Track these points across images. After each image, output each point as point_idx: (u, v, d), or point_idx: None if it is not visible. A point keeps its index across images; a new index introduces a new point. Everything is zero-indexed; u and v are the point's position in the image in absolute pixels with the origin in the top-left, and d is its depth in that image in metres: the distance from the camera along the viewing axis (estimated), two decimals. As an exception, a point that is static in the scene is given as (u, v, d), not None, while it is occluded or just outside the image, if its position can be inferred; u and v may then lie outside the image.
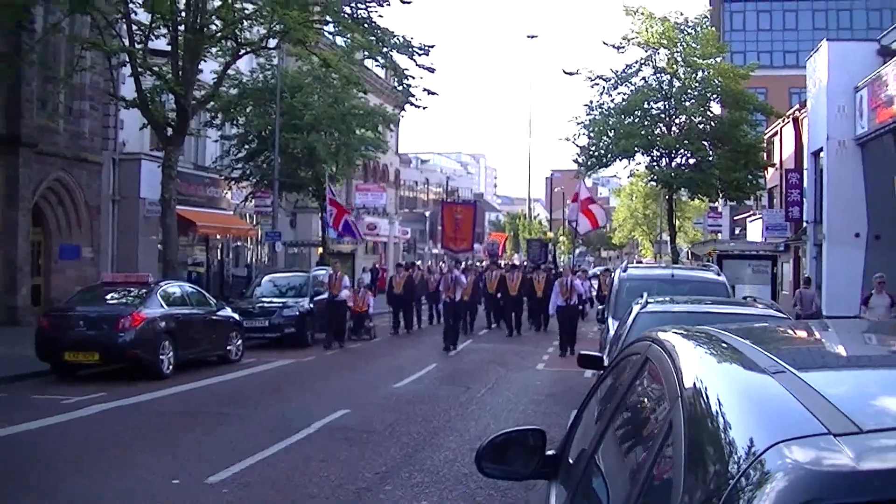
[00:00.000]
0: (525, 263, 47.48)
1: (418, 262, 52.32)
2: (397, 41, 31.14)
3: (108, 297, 22.41)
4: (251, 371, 22.84)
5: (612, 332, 15.64)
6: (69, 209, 37.27)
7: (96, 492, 10.38)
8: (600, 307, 24.91)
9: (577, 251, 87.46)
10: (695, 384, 2.64)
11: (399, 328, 34.47)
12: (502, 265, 42.93)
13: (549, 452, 4.21)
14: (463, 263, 39.69)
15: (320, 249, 48.92)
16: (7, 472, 11.34)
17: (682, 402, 2.57)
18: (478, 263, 43.42)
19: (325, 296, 29.54)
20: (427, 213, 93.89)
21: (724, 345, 3.04)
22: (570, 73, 50.59)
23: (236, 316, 25.40)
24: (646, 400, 3.34)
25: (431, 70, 31.77)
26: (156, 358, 20.53)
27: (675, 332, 3.41)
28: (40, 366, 20.75)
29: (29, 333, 21.66)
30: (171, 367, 20.97)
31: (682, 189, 52.27)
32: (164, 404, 17.20)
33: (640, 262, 71.62)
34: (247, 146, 43.89)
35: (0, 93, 32.15)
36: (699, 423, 2.39)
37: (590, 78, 49.60)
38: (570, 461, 3.97)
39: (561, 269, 36.07)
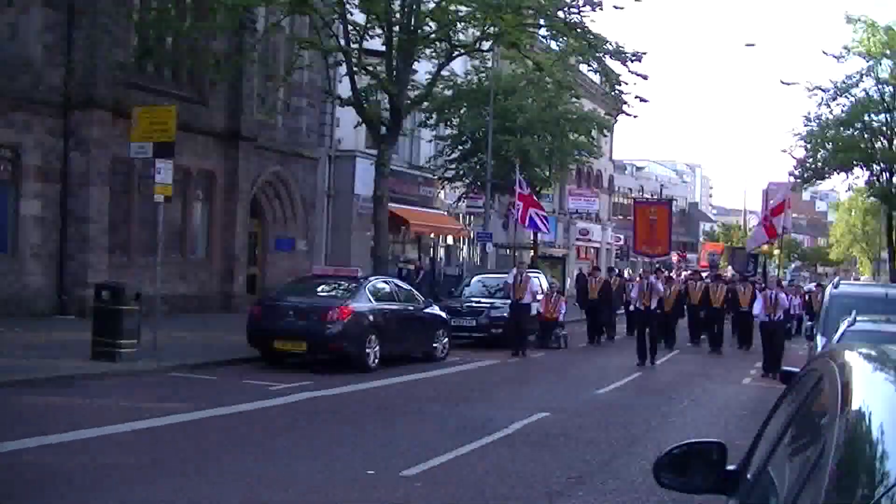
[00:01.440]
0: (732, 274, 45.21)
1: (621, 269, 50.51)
2: (610, 46, 30.87)
3: (318, 288, 22.85)
4: (455, 369, 22.94)
5: (819, 350, 15.12)
6: (285, 202, 38.37)
7: (293, 476, 10.56)
8: (808, 324, 23.99)
9: (793, 265, 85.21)
10: (859, 407, 2.54)
11: (596, 338, 32.61)
12: (704, 276, 39.87)
13: (730, 467, 4.09)
14: (666, 271, 37.27)
15: (532, 252, 49.03)
16: (210, 451, 11.67)
17: (838, 423, 2.49)
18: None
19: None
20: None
21: None
22: (788, 84, 49.49)
23: (444, 314, 25.47)
24: (812, 416, 3.22)
25: (644, 77, 31.38)
26: (361, 351, 20.80)
27: (859, 352, 3.28)
28: (252, 352, 21.37)
29: (243, 320, 22.23)
30: (376, 360, 21.19)
31: (904, 205, 50.33)
32: (366, 397, 17.43)
33: (857, 280, 69.27)
34: (460, 147, 44.35)
35: (222, 90, 33.28)
36: (853, 444, 2.32)
37: (808, 88, 48.24)
38: (748, 476, 3.86)
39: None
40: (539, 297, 28.83)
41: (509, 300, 27.71)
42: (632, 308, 28.97)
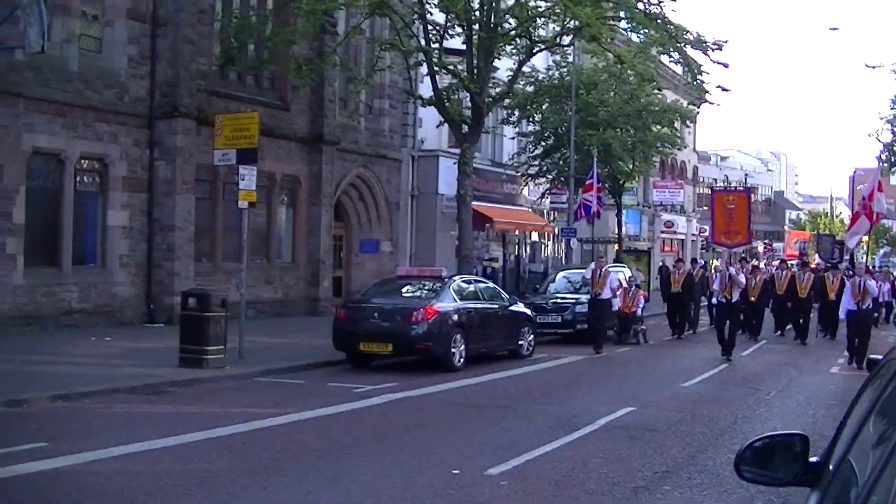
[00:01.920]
0: (818, 263, 43.85)
1: (712, 261, 49.66)
2: (691, 36, 30.52)
3: (403, 289, 22.92)
4: (541, 366, 22.84)
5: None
6: (369, 204, 38.58)
7: (379, 478, 10.59)
8: None
9: (882, 251, 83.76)
10: None
11: (678, 331, 31.92)
12: (791, 265, 38.37)
13: (813, 459, 4.01)
14: (755, 261, 36.29)
15: (616, 246, 48.78)
16: (295, 454, 11.72)
17: None
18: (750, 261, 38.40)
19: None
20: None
21: None
22: (873, 67, 48.63)
23: (529, 311, 25.33)
24: (893, 405, 3.13)
25: (725, 65, 31.02)
26: (447, 351, 20.84)
27: None
28: (337, 355, 21.50)
29: (329, 324, 22.37)
30: (462, 360, 21.20)
31: None
32: (451, 396, 17.43)
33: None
34: (543, 143, 44.22)
35: (304, 94, 33.53)
36: None
37: (893, 71, 47.36)
38: (830, 468, 3.79)
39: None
40: (618, 291, 28.23)
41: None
42: (713, 301, 28.46)
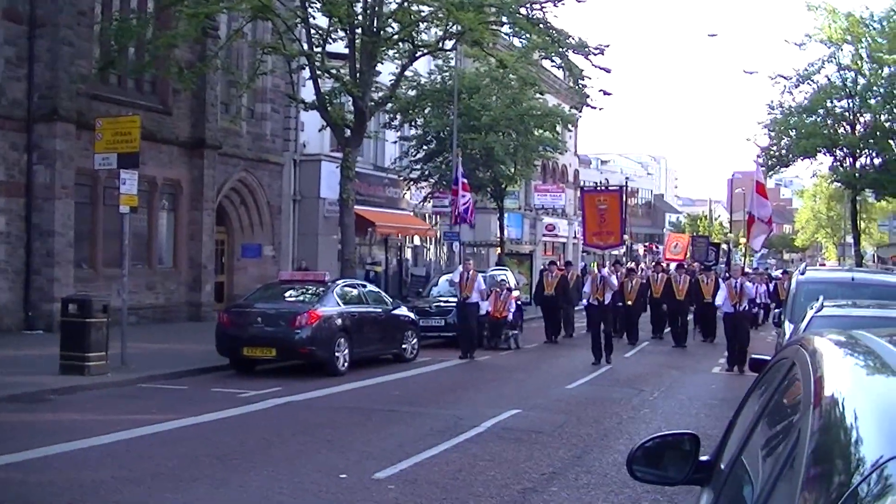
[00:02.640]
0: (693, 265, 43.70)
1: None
2: (573, 41, 30.91)
3: (286, 294, 22.84)
4: (425, 370, 22.99)
5: (787, 337, 15.25)
6: (251, 209, 38.38)
7: (267, 483, 10.61)
8: (776, 311, 23.96)
9: (759, 254, 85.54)
10: (832, 394, 2.57)
11: (553, 336, 31.28)
12: (665, 267, 38.17)
13: (703, 458, 4.15)
14: (630, 263, 35.92)
15: (499, 250, 49.15)
16: (182, 461, 11.67)
17: (812, 410, 2.52)
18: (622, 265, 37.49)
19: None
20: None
21: (878, 353, 2.95)
22: (750, 73, 49.82)
23: (412, 315, 25.56)
24: (784, 405, 3.27)
25: (607, 70, 31.39)
26: (331, 355, 20.88)
27: (829, 338, 3.31)
28: (221, 360, 21.39)
29: (212, 329, 22.28)
30: (346, 364, 21.25)
31: (868, 190, 50.73)
32: (337, 401, 17.47)
33: (823, 265, 69.59)
34: (425, 147, 44.36)
35: (186, 98, 33.24)
36: (827, 431, 2.34)
37: (771, 77, 48.50)
38: (722, 467, 3.92)
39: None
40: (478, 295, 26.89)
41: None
42: (584, 303, 27.56)
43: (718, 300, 25.40)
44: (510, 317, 28.68)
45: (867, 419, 2.24)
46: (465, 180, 34.57)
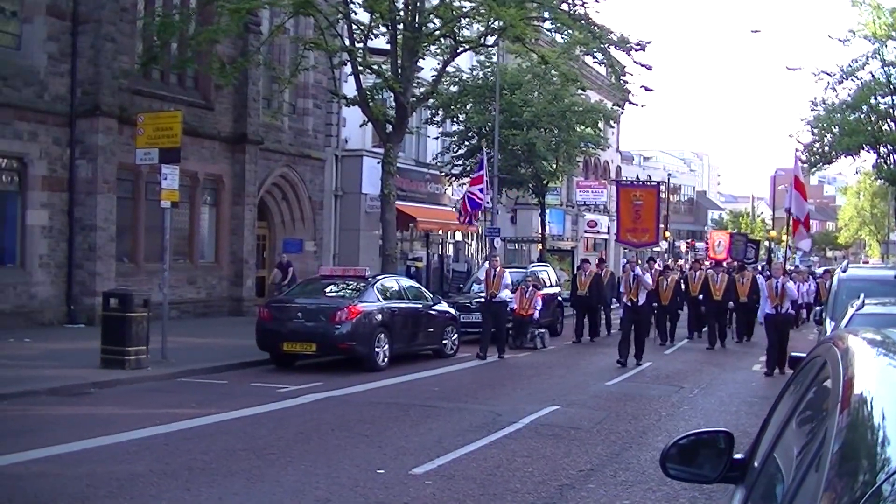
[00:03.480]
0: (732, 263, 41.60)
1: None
2: (614, 37, 30.77)
3: (327, 289, 22.91)
4: (465, 366, 22.93)
5: (829, 335, 15.05)
6: (293, 204, 38.47)
7: (304, 478, 10.58)
8: (818, 308, 23.51)
9: (801, 252, 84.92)
10: (861, 392, 2.54)
11: (583, 336, 30.03)
12: (706, 264, 36.76)
13: (738, 456, 4.08)
14: (667, 261, 34.66)
15: (540, 246, 49.07)
16: (219, 455, 11.67)
17: (840, 409, 2.49)
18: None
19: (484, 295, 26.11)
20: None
21: None
22: (793, 69, 49.24)
23: (453, 311, 25.48)
24: (816, 403, 3.21)
25: (648, 67, 31.20)
26: (371, 350, 20.87)
27: (862, 336, 3.26)
28: (261, 355, 21.45)
29: (253, 324, 22.36)
30: (385, 359, 21.28)
31: (913, 187, 50.26)
32: (376, 396, 17.45)
33: (866, 263, 68.95)
34: (467, 143, 44.30)
35: (228, 94, 33.36)
36: (854, 430, 2.31)
37: (814, 73, 48.00)
38: (755, 465, 3.86)
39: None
40: (508, 292, 26.04)
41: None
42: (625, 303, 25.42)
43: (762, 309, 23.63)
44: (536, 315, 27.82)
45: (894, 420, 2.23)
46: (484, 173, 32.57)
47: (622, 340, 23.64)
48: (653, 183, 35.15)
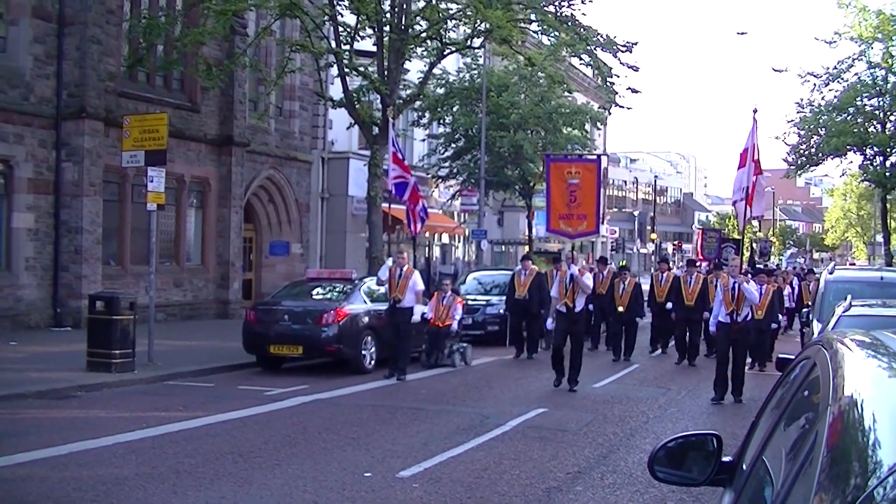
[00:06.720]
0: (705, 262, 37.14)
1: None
2: (601, 39, 30.79)
3: (314, 292, 22.86)
4: (452, 368, 22.87)
5: (816, 336, 15.09)
6: (279, 206, 38.42)
7: (291, 481, 10.57)
8: (804, 311, 22.87)
9: (789, 252, 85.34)
10: (851, 394, 2.54)
11: (527, 348, 25.55)
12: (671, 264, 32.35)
13: (726, 459, 4.08)
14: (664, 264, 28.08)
15: (527, 248, 49.07)
16: (206, 458, 11.65)
17: (830, 412, 2.49)
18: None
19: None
20: (636, 213, 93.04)
21: None
22: (779, 71, 49.34)
23: (438, 313, 25.28)
24: (805, 406, 3.22)
25: (635, 68, 31.26)
26: (358, 353, 20.88)
27: (851, 338, 3.27)
28: (248, 358, 21.44)
29: (239, 326, 22.33)
30: (373, 362, 21.26)
31: (898, 188, 50.30)
32: (363, 398, 17.46)
33: (853, 265, 69.05)
34: (453, 145, 44.37)
35: (214, 96, 33.31)
36: (844, 433, 2.31)
37: (800, 75, 48.14)
38: (744, 467, 3.86)
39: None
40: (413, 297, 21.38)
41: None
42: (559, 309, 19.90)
43: (715, 311, 19.18)
44: (454, 326, 22.87)
45: (885, 422, 2.23)
46: (395, 150, 27.26)
47: (554, 355, 19.55)
48: (592, 157, 29.76)
